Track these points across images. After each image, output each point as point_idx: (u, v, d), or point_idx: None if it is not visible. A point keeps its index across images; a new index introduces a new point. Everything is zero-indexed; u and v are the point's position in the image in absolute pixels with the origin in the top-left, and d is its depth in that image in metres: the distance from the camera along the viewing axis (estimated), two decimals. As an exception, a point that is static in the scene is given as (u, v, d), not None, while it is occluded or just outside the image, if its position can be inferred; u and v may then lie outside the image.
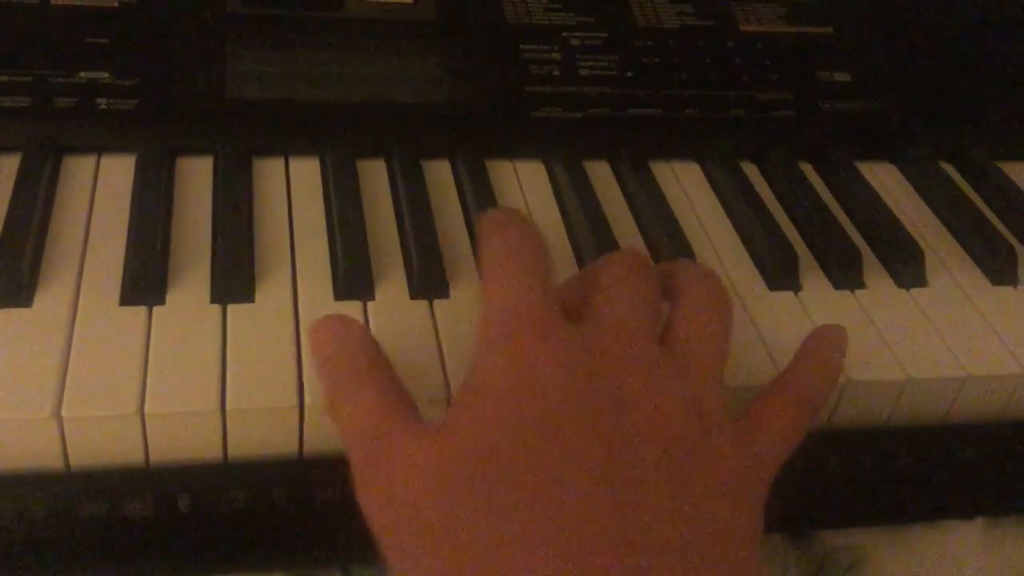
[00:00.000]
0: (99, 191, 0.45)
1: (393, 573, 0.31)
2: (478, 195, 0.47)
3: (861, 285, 0.47)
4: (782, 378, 0.37)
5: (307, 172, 0.48)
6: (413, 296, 0.42)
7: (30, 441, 0.35)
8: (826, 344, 0.39)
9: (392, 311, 0.41)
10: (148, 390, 0.36)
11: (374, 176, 0.48)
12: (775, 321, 0.44)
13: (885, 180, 0.55)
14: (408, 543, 0.31)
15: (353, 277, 0.41)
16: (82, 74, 0.48)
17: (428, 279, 0.42)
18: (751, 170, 0.54)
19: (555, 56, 0.54)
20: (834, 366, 0.38)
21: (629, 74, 0.54)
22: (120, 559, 0.37)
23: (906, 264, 0.47)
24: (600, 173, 0.52)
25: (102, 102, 0.47)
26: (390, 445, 0.32)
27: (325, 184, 0.47)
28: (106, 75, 0.48)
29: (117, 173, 0.46)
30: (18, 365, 0.36)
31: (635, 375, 0.32)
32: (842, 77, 0.57)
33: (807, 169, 0.54)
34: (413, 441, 0.32)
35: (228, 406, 0.36)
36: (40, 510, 0.36)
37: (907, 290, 0.47)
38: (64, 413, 0.35)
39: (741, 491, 0.32)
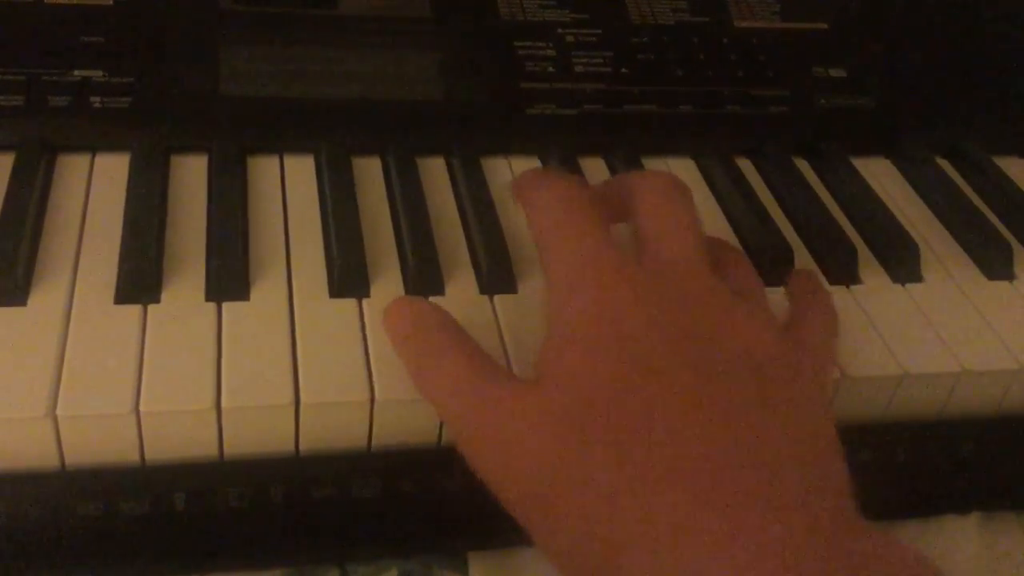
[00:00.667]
0: (93, 190, 0.45)
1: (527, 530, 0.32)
2: (473, 191, 0.47)
3: (856, 280, 0.47)
4: (801, 311, 0.39)
5: (302, 169, 0.48)
6: (409, 293, 0.42)
7: (25, 440, 0.35)
8: (809, 282, 0.42)
9: (388, 308, 0.41)
10: (143, 388, 0.36)
11: (369, 173, 0.48)
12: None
13: (881, 176, 0.54)
14: (529, 494, 0.32)
15: (348, 274, 0.41)
16: (76, 72, 0.48)
17: (424, 276, 0.42)
18: (746, 166, 0.54)
19: (550, 53, 0.54)
20: (827, 296, 0.42)
21: (624, 70, 0.54)
22: (116, 558, 0.37)
23: (902, 259, 0.47)
24: (596, 169, 0.52)
25: (96, 100, 0.47)
26: (491, 402, 0.33)
27: (320, 182, 0.47)
28: (100, 73, 0.48)
29: (111, 172, 0.46)
30: (13, 364, 0.36)
31: (710, 303, 0.34)
32: (837, 73, 0.57)
33: (802, 165, 0.54)
34: (513, 395, 0.32)
35: (223, 404, 0.36)
36: (35, 510, 0.36)
37: (903, 285, 0.47)
38: (59, 412, 0.35)
39: (819, 403, 0.34)
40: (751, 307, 0.35)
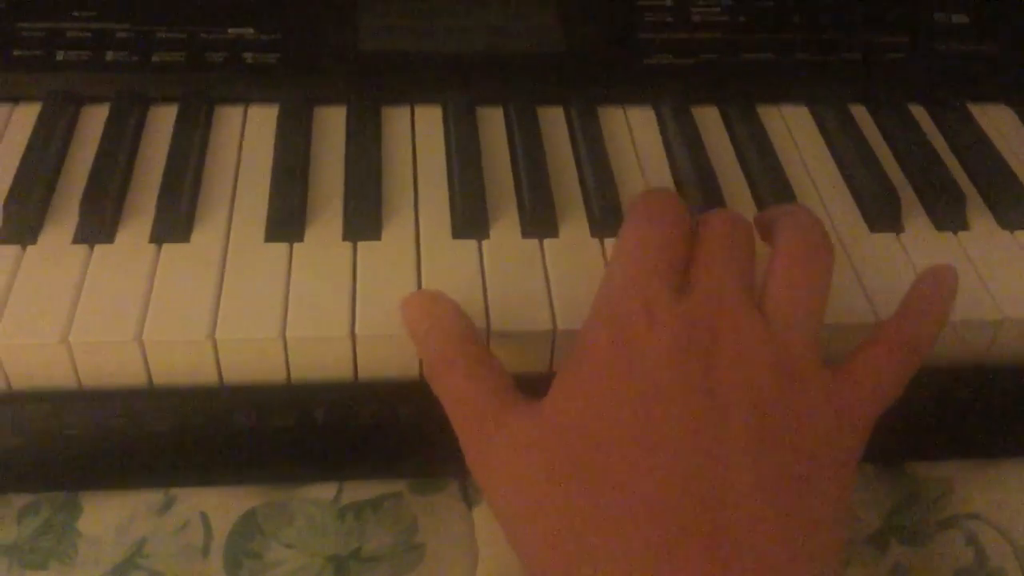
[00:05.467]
0: (246, 139, 0.50)
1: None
2: (589, 140, 0.50)
3: (964, 226, 0.48)
4: (886, 324, 0.37)
5: (431, 119, 0.51)
6: (525, 235, 0.45)
7: (190, 360, 0.40)
8: (934, 286, 0.39)
9: (505, 249, 0.44)
10: (289, 317, 0.40)
11: (492, 123, 0.52)
12: (874, 262, 0.45)
13: (999, 123, 0.54)
14: (507, 509, 0.34)
15: (469, 217, 0.45)
16: (231, 30, 0.53)
17: (539, 219, 0.45)
18: (861, 113, 0.54)
19: (668, 2, 0.56)
20: (941, 308, 0.38)
21: (741, 19, 0.56)
22: (265, 462, 0.43)
23: (1011, 206, 0.48)
24: (709, 118, 0.54)
25: (248, 56, 0.52)
26: (488, 422, 0.35)
27: (447, 131, 0.51)
28: (251, 31, 0.53)
29: (262, 122, 0.50)
30: (178, 293, 0.41)
31: (728, 353, 0.33)
32: (960, 19, 0.57)
33: (919, 112, 0.55)
34: (512, 418, 0.34)
35: (357, 332, 0.40)
36: (198, 419, 0.41)
37: (1011, 232, 0.48)
38: (218, 336, 0.40)
39: (831, 452, 0.33)
40: (774, 351, 0.34)
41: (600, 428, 0.32)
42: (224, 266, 0.43)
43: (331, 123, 0.51)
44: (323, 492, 0.43)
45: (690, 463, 0.31)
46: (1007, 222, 0.48)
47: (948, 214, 0.48)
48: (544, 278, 0.43)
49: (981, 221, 0.48)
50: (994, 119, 0.55)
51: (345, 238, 0.44)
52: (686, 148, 0.50)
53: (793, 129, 0.53)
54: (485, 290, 0.42)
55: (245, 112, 0.51)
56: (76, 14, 0.52)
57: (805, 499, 0.32)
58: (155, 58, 0.51)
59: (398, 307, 0.40)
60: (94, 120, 0.50)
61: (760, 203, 0.48)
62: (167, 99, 0.51)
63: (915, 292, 0.39)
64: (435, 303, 0.39)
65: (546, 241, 0.45)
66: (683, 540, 0.30)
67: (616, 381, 0.33)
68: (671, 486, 0.31)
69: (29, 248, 0.43)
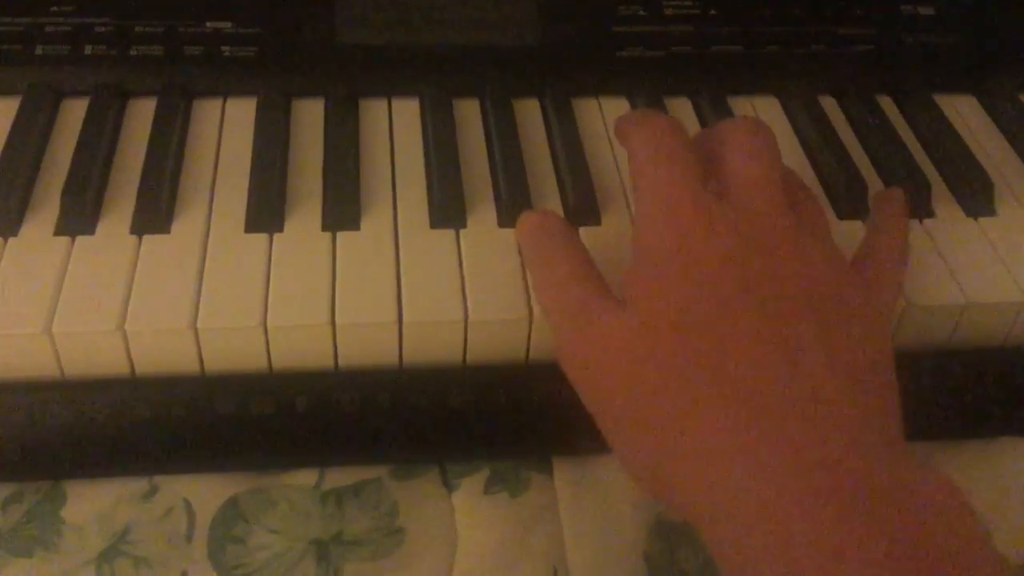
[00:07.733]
0: (225, 131, 0.50)
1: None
2: (564, 131, 0.51)
3: (930, 214, 0.49)
4: (873, 243, 0.43)
5: (408, 111, 0.52)
6: (501, 224, 0.46)
7: (171, 348, 0.41)
8: (892, 206, 0.45)
9: (482, 238, 0.45)
10: (270, 306, 0.41)
11: (469, 114, 0.52)
12: (842, 248, 0.46)
13: (964, 112, 0.56)
14: (602, 401, 0.37)
15: (447, 207, 0.46)
16: (208, 24, 0.53)
17: (515, 209, 0.46)
18: (830, 104, 0.56)
19: (641, -4, 0.57)
20: (903, 225, 0.45)
21: (712, 12, 0.57)
22: (247, 450, 0.43)
23: (975, 193, 0.49)
24: (682, 108, 0.55)
25: (226, 50, 0.52)
26: (588, 317, 0.37)
27: (424, 122, 0.51)
28: (229, 25, 0.53)
29: (241, 115, 0.51)
30: (159, 283, 0.42)
31: (782, 243, 0.37)
32: (926, 11, 0.58)
33: (885, 102, 0.56)
34: (605, 315, 0.37)
35: (337, 321, 0.41)
36: (181, 408, 0.42)
37: (975, 219, 0.49)
38: (199, 325, 0.40)
39: (877, 337, 0.37)
40: (819, 245, 0.38)
41: (672, 321, 0.35)
42: (204, 256, 0.43)
43: (309, 115, 0.52)
44: (305, 478, 0.43)
45: (766, 346, 0.34)
46: (971, 210, 0.49)
47: (914, 202, 0.49)
48: (520, 266, 0.44)
49: (946, 209, 0.49)
50: (960, 109, 0.56)
51: (324, 228, 0.45)
52: (659, 139, 0.51)
53: (763, 119, 0.54)
54: (463, 279, 0.43)
55: (224, 105, 0.52)
56: (55, 9, 0.52)
57: (863, 367, 0.35)
58: (134, 52, 0.52)
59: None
60: (74, 113, 0.50)
61: (731, 192, 0.49)
62: (146, 92, 0.51)
63: (881, 216, 0.45)
64: (544, 216, 0.43)
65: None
66: (767, 411, 0.33)
67: (679, 278, 0.36)
68: (748, 369, 0.34)
69: (11, 240, 0.43)
